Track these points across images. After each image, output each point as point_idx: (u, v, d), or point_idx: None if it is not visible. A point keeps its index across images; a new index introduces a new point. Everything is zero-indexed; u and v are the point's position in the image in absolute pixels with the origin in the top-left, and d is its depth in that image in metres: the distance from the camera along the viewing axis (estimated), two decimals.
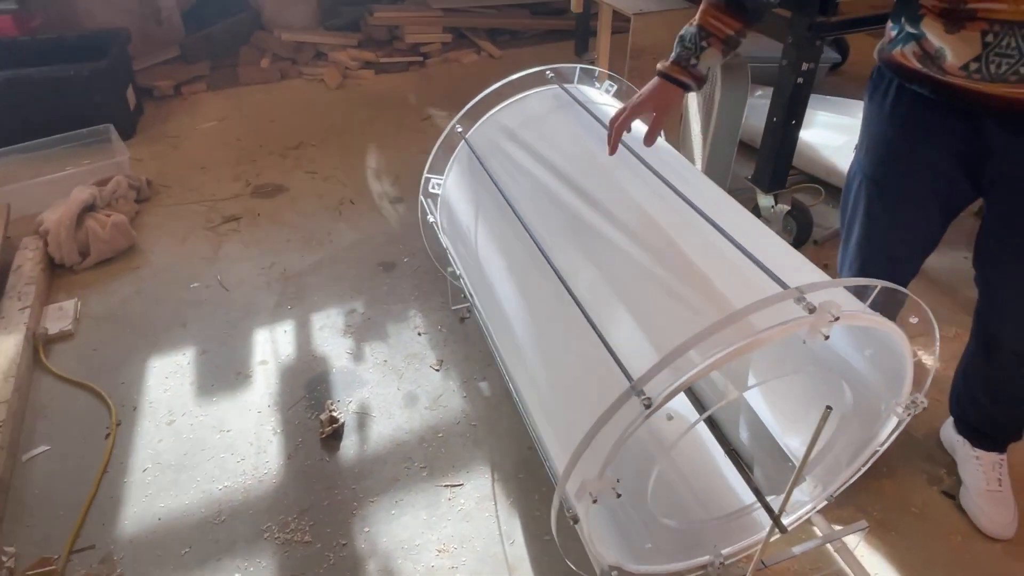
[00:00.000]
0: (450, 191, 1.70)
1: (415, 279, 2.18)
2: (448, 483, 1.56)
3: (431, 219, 1.74)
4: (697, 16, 1.19)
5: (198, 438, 1.68)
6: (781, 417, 1.33)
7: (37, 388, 1.81)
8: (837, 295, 1.00)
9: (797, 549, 1.27)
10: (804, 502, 1.32)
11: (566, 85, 1.67)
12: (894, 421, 1.19)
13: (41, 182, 2.46)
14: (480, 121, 1.66)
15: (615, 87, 1.73)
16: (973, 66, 0.98)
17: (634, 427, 0.91)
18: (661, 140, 1.58)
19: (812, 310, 0.90)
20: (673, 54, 1.22)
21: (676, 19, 2.27)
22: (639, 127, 1.57)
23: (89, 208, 2.28)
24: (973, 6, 0.95)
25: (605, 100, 1.65)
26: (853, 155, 1.29)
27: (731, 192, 1.41)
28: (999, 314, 1.26)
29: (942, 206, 1.20)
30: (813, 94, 2.00)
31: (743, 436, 1.24)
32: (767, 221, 2.15)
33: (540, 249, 1.26)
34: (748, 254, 1.07)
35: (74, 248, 2.19)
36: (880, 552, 1.40)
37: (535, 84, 1.68)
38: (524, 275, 1.33)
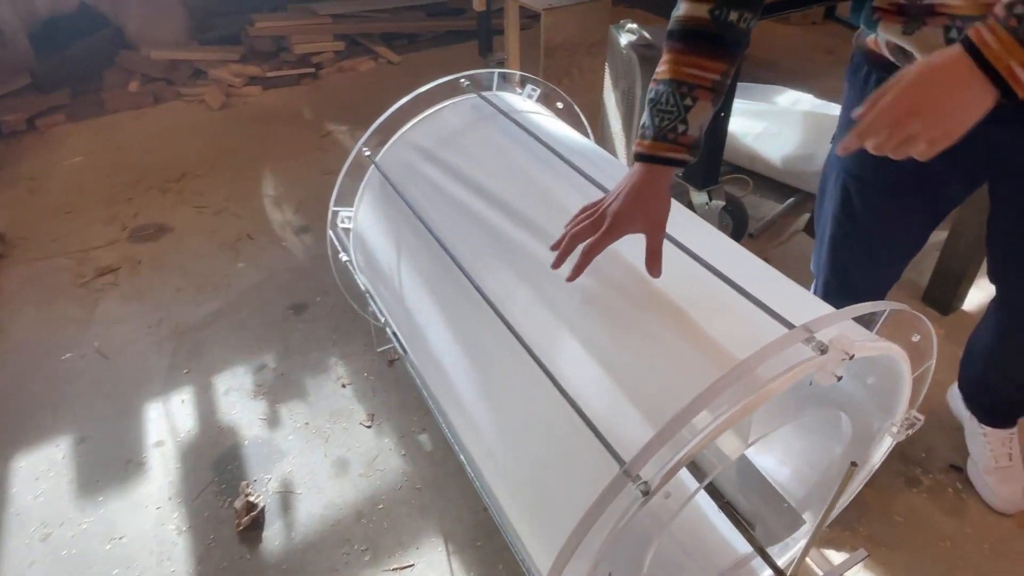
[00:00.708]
0: (363, 224, 1.47)
1: (332, 320, 1.93)
2: (396, 566, 1.34)
3: (344, 258, 1.51)
4: (665, 70, 0.91)
5: (82, 553, 1.38)
6: (763, 443, 1.20)
7: None
8: (843, 323, 0.87)
9: None
10: (798, 538, 1.19)
11: (484, 93, 1.48)
12: (888, 441, 1.09)
13: None
14: (391, 141, 1.45)
15: (537, 91, 1.55)
16: None
17: (629, 517, 0.74)
18: (591, 144, 1.42)
19: (824, 350, 0.76)
20: (649, 127, 0.93)
21: (589, 13, 2.15)
22: (562, 126, 1.42)
23: None
24: (929, 1, 0.86)
25: (530, 107, 1.47)
26: (830, 147, 1.19)
27: None
28: None
29: (928, 203, 1.11)
30: None
31: (740, 489, 1.10)
32: (702, 218, 2.06)
33: (476, 287, 1.07)
34: (727, 279, 0.92)
35: None
36: (875, 573, 1.33)
37: (448, 94, 1.48)
38: (461, 319, 1.13)
